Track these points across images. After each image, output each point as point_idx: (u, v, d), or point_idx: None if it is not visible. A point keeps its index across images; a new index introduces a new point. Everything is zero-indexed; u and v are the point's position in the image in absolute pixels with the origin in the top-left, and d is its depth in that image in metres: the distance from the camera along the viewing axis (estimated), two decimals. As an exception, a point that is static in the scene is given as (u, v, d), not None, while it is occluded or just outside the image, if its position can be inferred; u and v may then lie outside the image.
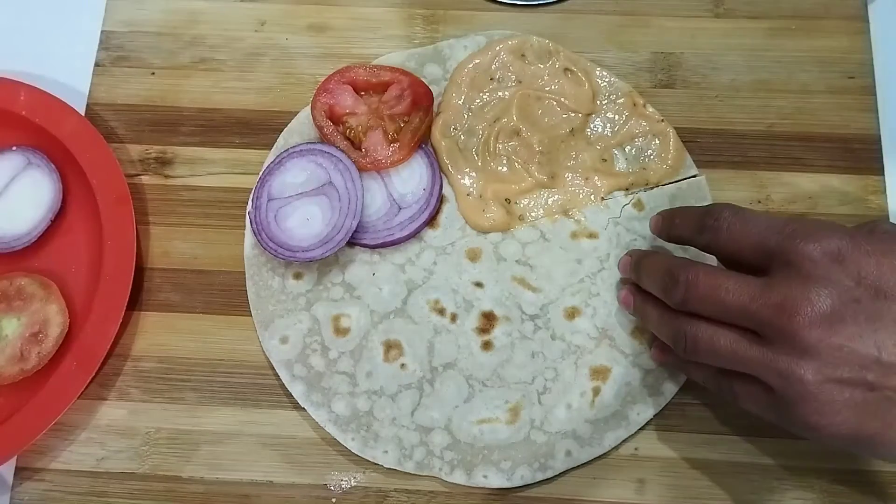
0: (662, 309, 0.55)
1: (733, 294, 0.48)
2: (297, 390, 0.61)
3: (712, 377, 0.53)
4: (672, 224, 0.57)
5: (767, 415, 0.50)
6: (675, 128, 0.67)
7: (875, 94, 0.68)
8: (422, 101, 0.66)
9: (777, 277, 0.47)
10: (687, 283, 0.50)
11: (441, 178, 0.66)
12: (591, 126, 0.67)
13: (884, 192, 0.66)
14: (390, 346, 0.62)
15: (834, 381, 0.45)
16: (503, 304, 0.63)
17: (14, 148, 0.68)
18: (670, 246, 0.62)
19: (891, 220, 0.53)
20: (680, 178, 0.66)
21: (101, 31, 0.73)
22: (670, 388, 0.61)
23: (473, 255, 0.64)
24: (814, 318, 0.45)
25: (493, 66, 0.68)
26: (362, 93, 0.67)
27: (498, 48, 0.68)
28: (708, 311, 0.50)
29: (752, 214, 0.51)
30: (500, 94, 0.68)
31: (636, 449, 0.60)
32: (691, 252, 0.60)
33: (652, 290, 0.56)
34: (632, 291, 0.60)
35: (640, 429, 0.60)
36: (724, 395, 0.53)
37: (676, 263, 0.53)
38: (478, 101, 0.67)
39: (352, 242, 0.64)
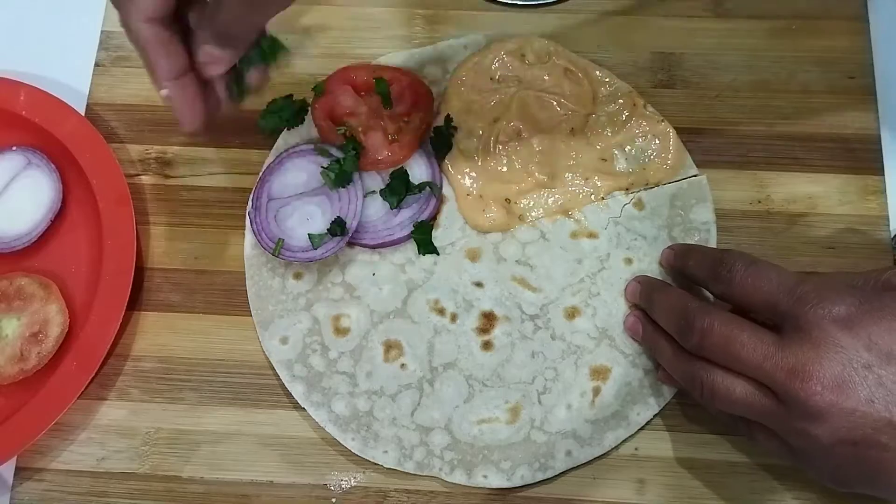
0: (676, 347, 0.55)
1: (748, 350, 0.48)
2: (297, 390, 0.61)
3: (729, 417, 0.54)
4: (685, 264, 0.59)
5: (785, 460, 0.51)
6: (675, 128, 0.67)
7: (875, 94, 0.68)
8: (422, 101, 0.66)
9: (788, 339, 0.48)
10: (703, 331, 0.51)
11: (441, 177, 0.66)
12: (591, 126, 0.67)
13: (884, 192, 0.66)
14: (390, 346, 0.62)
15: (848, 443, 0.46)
16: (503, 304, 0.63)
17: (14, 148, 0.68)
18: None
19: None
20: (680, 178, 0.66)
21: (101, 31, 0.73)
22: (670, 388, 0.60)
23: (473, 255, 0.64)
24: (826, 384, 0.46)
25: (493, 67, 0.68)
26: (362, 93, 0.67)
27: (498, 48, 0.68)
28: (722, 360, 0.50)
29: (765, 269, 0.51)
30: (500, 94, 0.68)
31: (636, 449, 0.60)
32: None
33: (665, 327, 0.56)
34: (640, 320, 0.60)
35: (640, 429, 0.60)
36: (740, 433, 0.54)
37: (692, 307, 0.53)
38: (478, 101, 0.67)
39: (352, 242, 0.64)
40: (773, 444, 0.51)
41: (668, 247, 0.61)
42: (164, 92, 0.53)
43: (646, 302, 0.60)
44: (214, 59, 0.53)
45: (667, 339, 0.56)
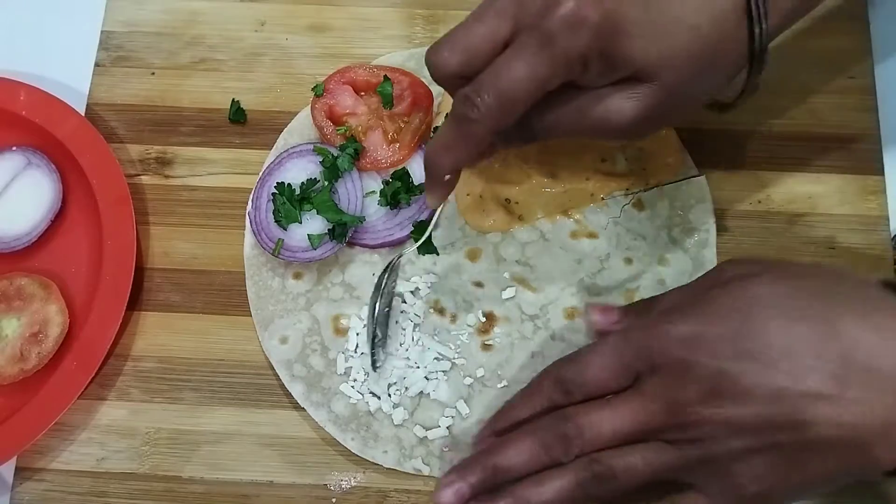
0: (554, 476, 0.48)
1: (624, 419, 0.47)
2: (296, 390, 0.61)
3: None
4: (517, 423, 0.51)
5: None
6: (675, 128, 0.67)
7: (875, 94, 0.68)
8: (422, 101, 0.66)
9: (648, 385, 0.47)
10: (580, 433, 0.48)
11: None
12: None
13: (884, 192, 0.66)
14: (390, 346, 0.62)
15: (748, 451, 0.46)
16: (503, 304, 0.63)
17: (14, 148, 0.68)
18: None
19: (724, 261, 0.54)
20: (680, 178, 0.66)
21: (101, 31, 0.73)
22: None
23: (473, 255, 0.64)
24: (697, 405, 0.46)
25: (493, 66, 0.68)
26: (362, 93, 0.67)
27: (498, 48, 0.68)
28: (605, 444, 0.48)
29: (590, 354, 0.50)
30: (500, 94, 0.68)
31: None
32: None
33: (528, 470, 0.49)
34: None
35: (639, 429, 0.60)
36: None
37: (545, 427, 0.49)
38: (478, 101, 0.67)
39: (352, 242, 0.64)
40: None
41: (477, 440, 0.53)
42: (447, 177, 0.53)
43: (483, 481, 0.49)
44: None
45: (529, 484, 0.49)
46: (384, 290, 0.61)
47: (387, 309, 0.62)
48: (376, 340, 0.60)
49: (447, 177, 0.53)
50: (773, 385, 0.45)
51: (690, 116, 0.55)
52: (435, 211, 0.62)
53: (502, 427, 0.52)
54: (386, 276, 0.61)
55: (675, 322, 0.48)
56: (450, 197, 0.65)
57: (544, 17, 0.46)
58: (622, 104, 0.49)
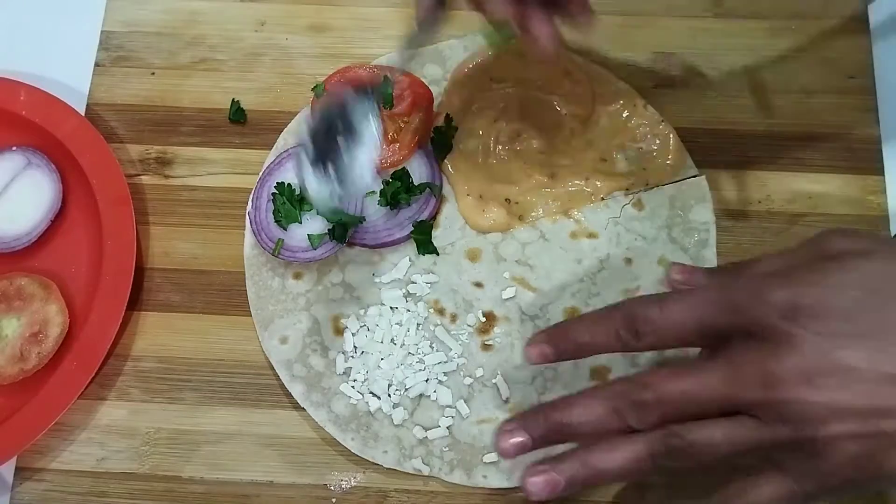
0: (626, 445, 0.45)
1: (708, 388, 0.43)
2: (296, 390, 0.61)
3: (723, 480, 0.47)
4: (575, 344, 0.48)
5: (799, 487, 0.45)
6: (675, 128, 0.67)
7: (875, 94, 0.68)
8: (422, 101, 0.66)
9: (738, 352, 0.43)
10: (659, 402, 0.44)
11: (441, 177, 0.66)
12: (591, 126, 0.67)
13: (884, 192, 0.66)
14: (390, 346, 0.62)
15: (843, 437, 0.42)
16: (503, 304, 0.63)
17: (14, 148, 0.68)
18: None
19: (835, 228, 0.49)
20: (680, 178, 0.66)
21: (101, 31, 0.73)
22: (670, 388, 0.60)
23: (473, 255, 0.64)
24: (797, 383, 0.42)
25: (494, 67, 0.68)
26: (362, 93, 0.67)
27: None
28: (686, 416, 0.44)
29: (676, 299, 0.46)
30: (500, 94, 0.68)
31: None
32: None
33: (594, 431, 0.46)
34: (553, 469, 0.46)
35: (639, 429, 0.60)
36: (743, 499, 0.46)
37: (624, 391, 0.45)
38: (478, 101, 0.67)
39: (352, 242, 0.64)
40: (782, 487, 0.44)
41: (531, 343, 0.49)
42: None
43: (555, 433, 0.46)
44: None
45: (609, 449, 0.45)
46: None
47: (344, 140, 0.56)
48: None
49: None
50: (887, 368, 0.41)
51: None
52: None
53: (557, 342, 0.48)
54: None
55: (781, 287, 0.43)
56: (450, 197, 0.66)
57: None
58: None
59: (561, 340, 0.49)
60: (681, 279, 0.50)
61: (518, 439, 0.46)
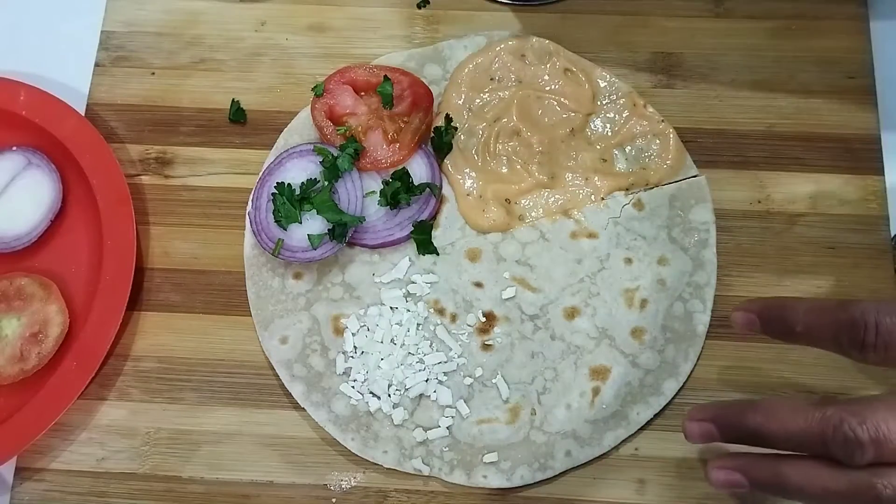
0: (824, 471, 0.42)
1: None
2: (296, 390, 0.61)
3: None
4: (786, 327, 0.46)
5: None
6: (675, 128, 0.67)
7: (875, 94, 0.68)
8: (422, 101, 0.66)
9: None
10: (875, 440, 0.39)
11: (441, 177, 0.66)
12: (591, 126, 0.67)
13: (884, 192, 0.66)
14: (390, 346, 0.62)
15: None
16: (503, 304, 0.63)
17: (14, 148, 0.68)
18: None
19: None
20: (680, 178, 0.66)
21: (101, 31, 0.73)
22: (670, 388, 0.60)
23: (473, 255, 0.64)
24: None
25: (493, 67, 0.68)
26: (362, 93, 0.67)
27: (498, 48, 0.68)
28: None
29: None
30: (500, 94, 0.68)
31: (636, 449, 0.60)
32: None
33: (794, 450, 0.43)
34: (743, 465, 0.45)
35: (640, 429, 0.60)
36: None
37: (835, 415, 0.41)
38: (478, 101, 0.67)
39: (352, 242, 0.64)
40: None
41: (742, 307, 0.47)
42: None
43: (734, 433, 0.45)
44: None
45: (800, 467, 0.43)
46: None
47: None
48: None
49: None
50: None
51: None
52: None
53: (768, 316, 0.46)
54: None
55: None
56: (450, 197, 0.66)
57: None
58: None
59: (773, 314, 0.46)
60: None
61: (705, 429, 0.45)
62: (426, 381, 0.61)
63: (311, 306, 0.63)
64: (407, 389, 0.61)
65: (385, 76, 0.66)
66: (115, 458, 0.62)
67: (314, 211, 0.63)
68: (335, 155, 0.64)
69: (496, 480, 0.59)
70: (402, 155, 0.65)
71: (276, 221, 0.63)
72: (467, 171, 0.66)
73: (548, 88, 0.68)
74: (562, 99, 0.67)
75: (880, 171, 0.66)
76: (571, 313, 0.63)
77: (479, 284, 0.64)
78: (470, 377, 0.61)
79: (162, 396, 0.63)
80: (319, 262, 0.64)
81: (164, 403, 0.63)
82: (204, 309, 0.65)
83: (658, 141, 0.66)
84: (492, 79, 0.68)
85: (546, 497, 0.60)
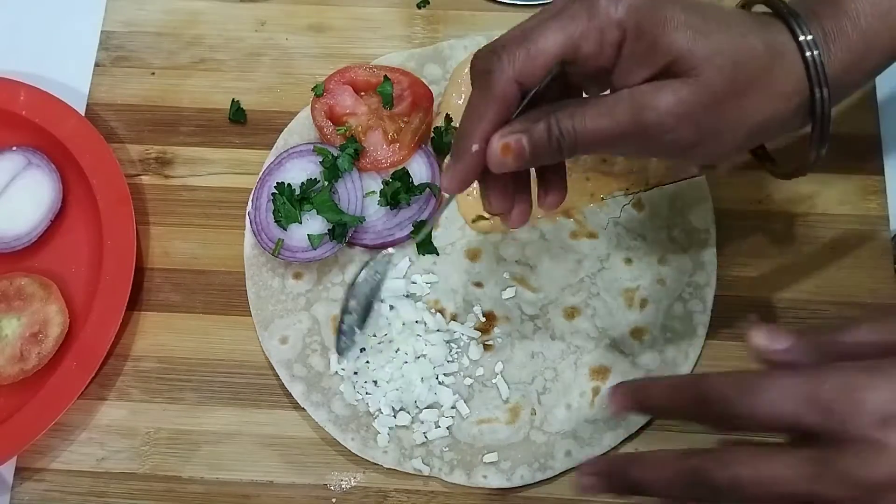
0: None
1: (791, 483, 0.40)
2: (296, 390, 0.61)
3: None
4: (650, 406, 0.48)
5: None
6: (675, 128, 0.67)
7: (875, 94, 0.68)
8: (422, 101, 0.66)
9: (829, 451, 0.40)
10: (733, 487, 0.41)
11: (441, 177, 0.66)
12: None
13: (884, 192, 0.66)
14: (390, 346, 0.62)
15: None
16: (503, 304, 0.63)
17: (14, 148, 0.68)
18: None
19: None
20: (680, 178, 0.66)
21: (101, 31, 0.73)
22: (670, 389, 0.60)
23: (473, 255, 0.64)
24: (887, 489, 0.39)
25: (493, 66, 0.68)
26: (362, 93, 0.67)
27: (498, 48, 0.68)
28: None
29: (764, 385, 0.41)
30: (500, 94, 0.68)
31: (636, 449, 0.60)
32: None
33: (664, 494, 0.44)
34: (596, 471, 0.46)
35: (640, 429, 0.60)
36: None
37: (697, 465, 0.42)
38: (478, 101, 0.67)
39: (352, 242, 0.64)
40: None
41: (614, 390, 0.47)
42: (473, 147, 0.47)
43: (619, 484, 0.45)
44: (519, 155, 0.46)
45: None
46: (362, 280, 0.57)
47: (367, 298, 0.58)
48: (344, 326, 0.57)
49: (474, 147, 0.47)
50: None
51: (731, 152, 0.48)
52: (437, 207, 0.58)
53: (636, 403, 0.46)
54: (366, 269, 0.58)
55: (875, 389, 0.39)
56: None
57: None
58: (655, 96, 0.45)
59: (641, 397, 0.47)
60: (763, 344, 0.44)
61: (594, 483, 0.45)
62: (423, 379, 0.61)
63: (311, 306, 0.63)
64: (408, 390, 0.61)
65: (385, 76, 0.66)
66: (115, 458, 0.62)
67: (314, 211, 0.63)
68: (335, 155, 0.64)
69: (496, 480, 0.59)
70: (402, 155, 0.65)
71: (276, 221, 0.63)
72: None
73: (548, 88, 0.68)
74: (562, 99, 0.67)
75: (880, 171, 0.66)
76: (571, 313, 0.63)
77: (479, 284, 0.64)
78: (470, 377, 0.61)
79: (162, 396, 0.63)
80: (319, 262, 0.64)
81: (164, 403, 0.63)
82: (204, 309, 0.65)
83: (658, 141, 0.66)
84: (492, 79, 0.68)
85: (546, 497, 0.60)
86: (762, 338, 0.45)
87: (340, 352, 0.58)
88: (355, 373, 0.61)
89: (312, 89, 0.67)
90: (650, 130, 0.45)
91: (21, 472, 0.61)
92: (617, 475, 0.45)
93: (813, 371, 0.42)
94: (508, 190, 0.50)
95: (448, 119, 0.66)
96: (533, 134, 0.46)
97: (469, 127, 0.47)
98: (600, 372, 0.61)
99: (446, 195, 0.53)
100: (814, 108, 0.47)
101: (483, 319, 0.63)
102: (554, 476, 0.59)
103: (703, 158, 0.48)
